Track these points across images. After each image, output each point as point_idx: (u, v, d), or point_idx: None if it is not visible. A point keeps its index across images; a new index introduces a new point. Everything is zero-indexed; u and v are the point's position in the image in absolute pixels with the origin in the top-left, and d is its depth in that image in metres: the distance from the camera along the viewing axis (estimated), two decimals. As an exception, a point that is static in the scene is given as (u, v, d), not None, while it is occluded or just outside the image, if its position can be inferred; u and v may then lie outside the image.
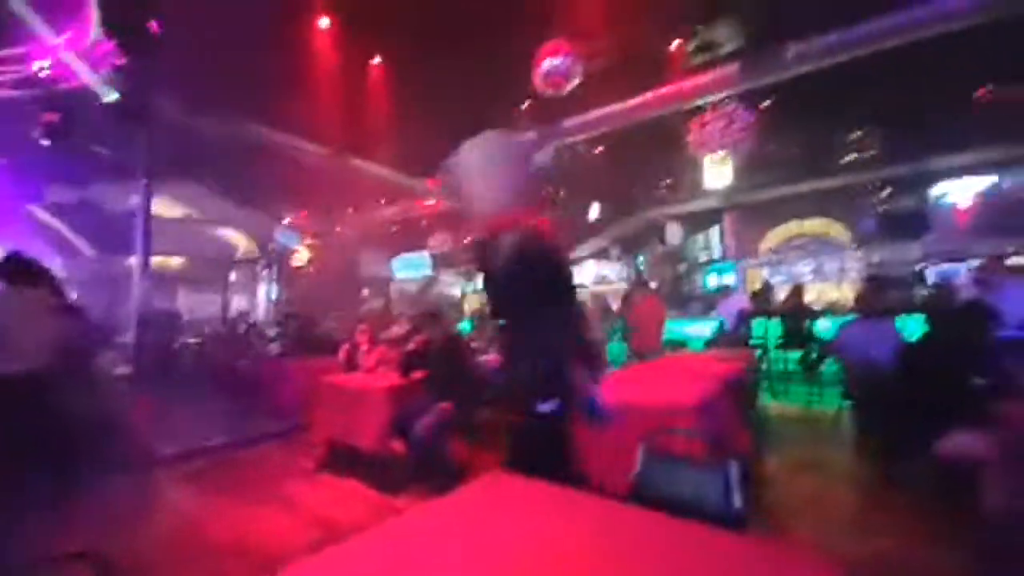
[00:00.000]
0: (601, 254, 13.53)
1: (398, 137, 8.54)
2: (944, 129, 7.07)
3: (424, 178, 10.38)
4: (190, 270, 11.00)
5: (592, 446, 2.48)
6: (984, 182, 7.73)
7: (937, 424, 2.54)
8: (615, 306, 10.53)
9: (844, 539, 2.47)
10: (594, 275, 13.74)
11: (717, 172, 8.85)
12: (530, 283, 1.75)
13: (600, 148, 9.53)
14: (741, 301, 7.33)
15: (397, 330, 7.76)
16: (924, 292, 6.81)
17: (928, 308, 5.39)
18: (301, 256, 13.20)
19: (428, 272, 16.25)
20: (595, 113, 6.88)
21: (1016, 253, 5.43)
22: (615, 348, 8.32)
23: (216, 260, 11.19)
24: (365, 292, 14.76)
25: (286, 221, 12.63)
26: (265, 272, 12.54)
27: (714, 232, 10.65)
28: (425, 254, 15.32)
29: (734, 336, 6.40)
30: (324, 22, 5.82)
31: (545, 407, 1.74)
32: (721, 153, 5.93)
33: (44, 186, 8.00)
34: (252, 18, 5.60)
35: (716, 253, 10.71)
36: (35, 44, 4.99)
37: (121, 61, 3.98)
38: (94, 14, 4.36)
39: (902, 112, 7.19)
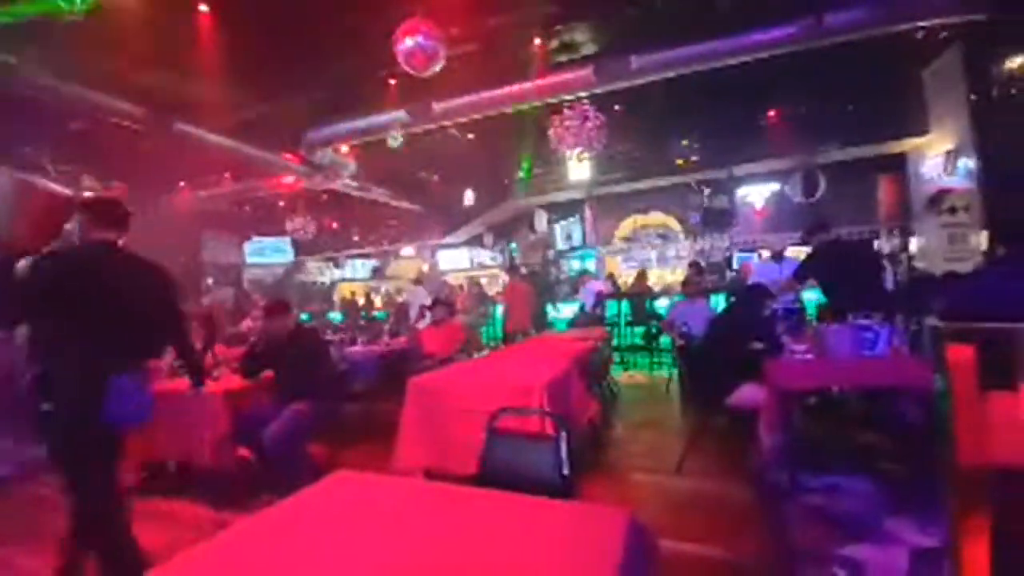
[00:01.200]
0: (475, 241, 13.75)
1: (241, 105, 7.43)
2: (746, 142, 8.74)
3: (280, 152, 9.26)
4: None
5: (441, 428, 2.54)
6: (771, 188, 9.84)
7: (731, 381, 3.15)
8: (491, 292, 10.88)
9: (669, 479, 3.06)
10: (470, 261, 13.95)
11: (579, 165, 9.61)
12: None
13: (471, 136, 9.57)
14: (598, 284, 8.17)
15: (249, 324, 6.91)
16: (730, 275, 8.39)
17: (729, 288, 6.70)
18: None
19: (289, 259, 14.71)
20: (462, 100, 6.87)
21: (793, 244, 7.00)
22: (490, 330, 8.66)
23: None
24: (209, 282, 12.78)
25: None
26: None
27: (576, 221, 11.58)
28: (286, 239, 13.82)
29: (592, 316, 7.12)
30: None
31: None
32: (579, 148, 6.43)
33: None
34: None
35: (578, 241, 11.68)
36: None
37: None
38: None
39: (717, 125, 8.69)
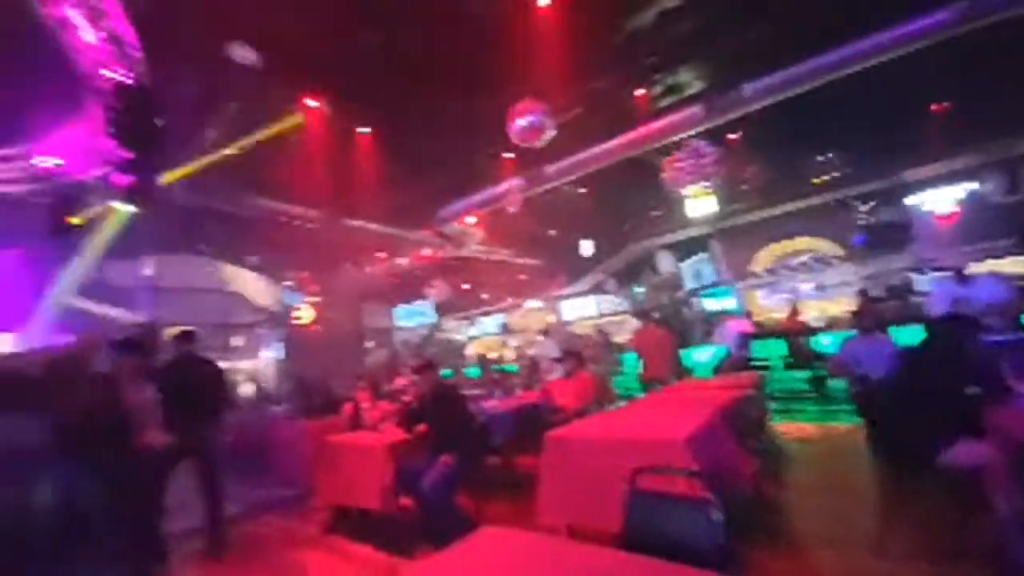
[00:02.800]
0: (597, 288, 13.68)
1: (389, 195, 8.92)
2: (909, 143, 7.37)
3: (418, 230, 10.71)
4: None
5: (581, 483, 2.48)
6: (961, 190, 7.92)
7: (940, 434, 2.53)
8: (619, 339, 10.56)
9: (865, 558, 2.46)
10: (596, 308, 13.82)
11: (698, 202, 9.13)
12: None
13: (584, 189, 9.89)
14: (740, 324, 7.36)
15: (401, 382, 7.75)
16: (915, 301, 6.87)
17: (923, 319, 5.42)
18: (304, 315, 13.34)
19: (431, 319, 16.36)
20: (573, 158, 7.23)
21: (996, 256, 5.50)
22: (622, 380, 8.27)
23: (222, 325, 11.29)
24: (370, 345, 14.81)
25: (287, 283, 12.87)
26: (268, 334, 12.65)
27: (705, 259, 10.82)
28: (427, 302, 15.49)
29: (737, 359, 6.40)
30: (312, 102, 6.26)
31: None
32: (698, 185, 6.17)
33: (58, 270, 8.22)
34: (245, 101, 6.02)
35: (708, 279, 10.82)
36: (41, 140, 5.34)
37: (127, 155, 4.28)
38: (98, 111, 4.69)
39: (864, 131, 7.52)
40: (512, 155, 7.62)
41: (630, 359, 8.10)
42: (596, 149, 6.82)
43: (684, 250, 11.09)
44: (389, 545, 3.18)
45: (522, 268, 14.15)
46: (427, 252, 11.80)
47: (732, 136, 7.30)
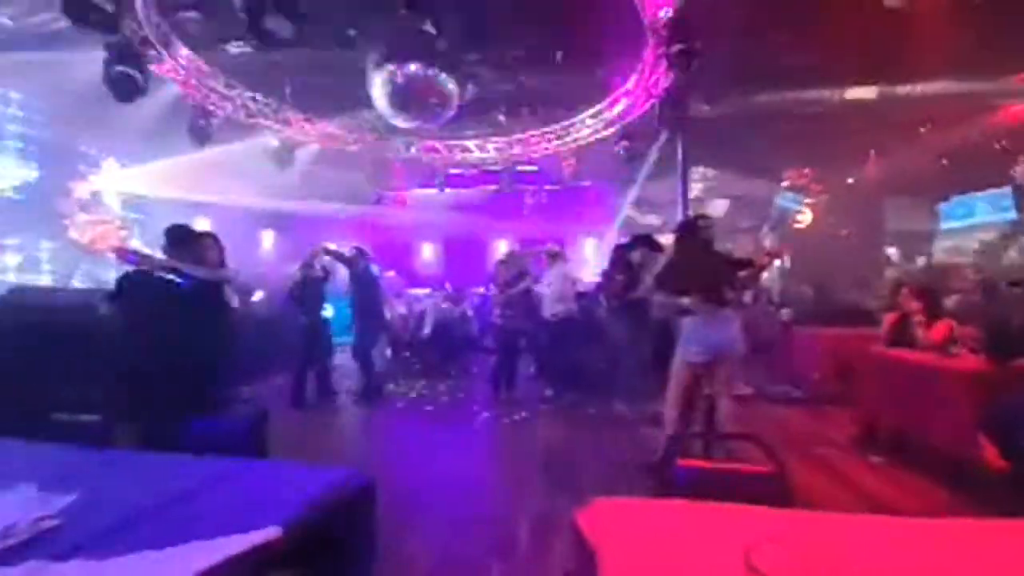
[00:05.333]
0: None
1: (951, 37, 6.11)
2: None
3: (1004, 77, 6.97)
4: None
5: None
6: None
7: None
8: None
9: None
10: None
11: None
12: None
13: None
14: None
15: (957, 300, 5.82)
16: None
17: None
18: (804, 218, 12.26)
19: (1011, 215, 10.85)
20: None
21: None
22: None
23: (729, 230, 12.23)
24: (891, 252, 11.88)
25: (785, 184, 12.05)
26: (767, 238, 12.58)
27: None
28: (1006, 190, 10.37)
29: None
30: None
31: None
32: None
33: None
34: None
35: None
36: (613, 88, 7.22)
37: (668, 83, 5.14)
38: (653, 49, 5.64)
39: None
40: None
41: None
42: None
43: None
44: (951, 485, 2.62)
45: None
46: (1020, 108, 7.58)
47: None
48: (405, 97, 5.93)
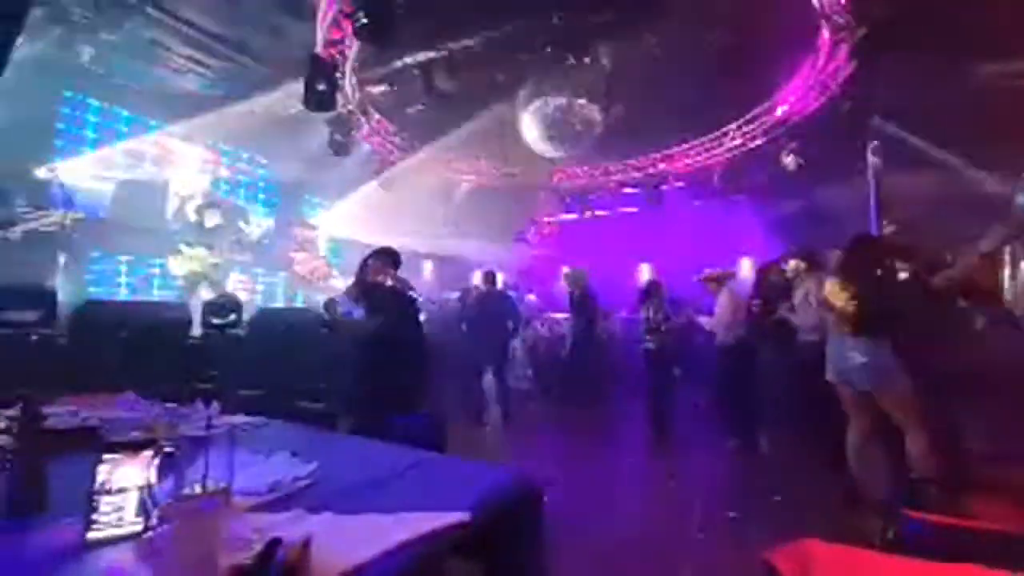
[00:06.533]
0: None
1: None
2: None
3: None
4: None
5: None
6: None
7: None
8: None
9: None
10: None
11: None
12: None
13: None
14: None
15: None
16: None
17: None
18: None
19: None
20: None
21: None
22: None
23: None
24: None
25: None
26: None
27: None
28: None
29: None
30: None
31: None
32: None
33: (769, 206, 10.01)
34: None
35: None
36: (777, 94, 6.42)
37: (847, 75, 4.39)
38: (828, 43, 4.84)
39: None
40: None
41: None
42: None
43: None
44: None
45: None
46: None
47: None
48: (552, 127, 6.27)
